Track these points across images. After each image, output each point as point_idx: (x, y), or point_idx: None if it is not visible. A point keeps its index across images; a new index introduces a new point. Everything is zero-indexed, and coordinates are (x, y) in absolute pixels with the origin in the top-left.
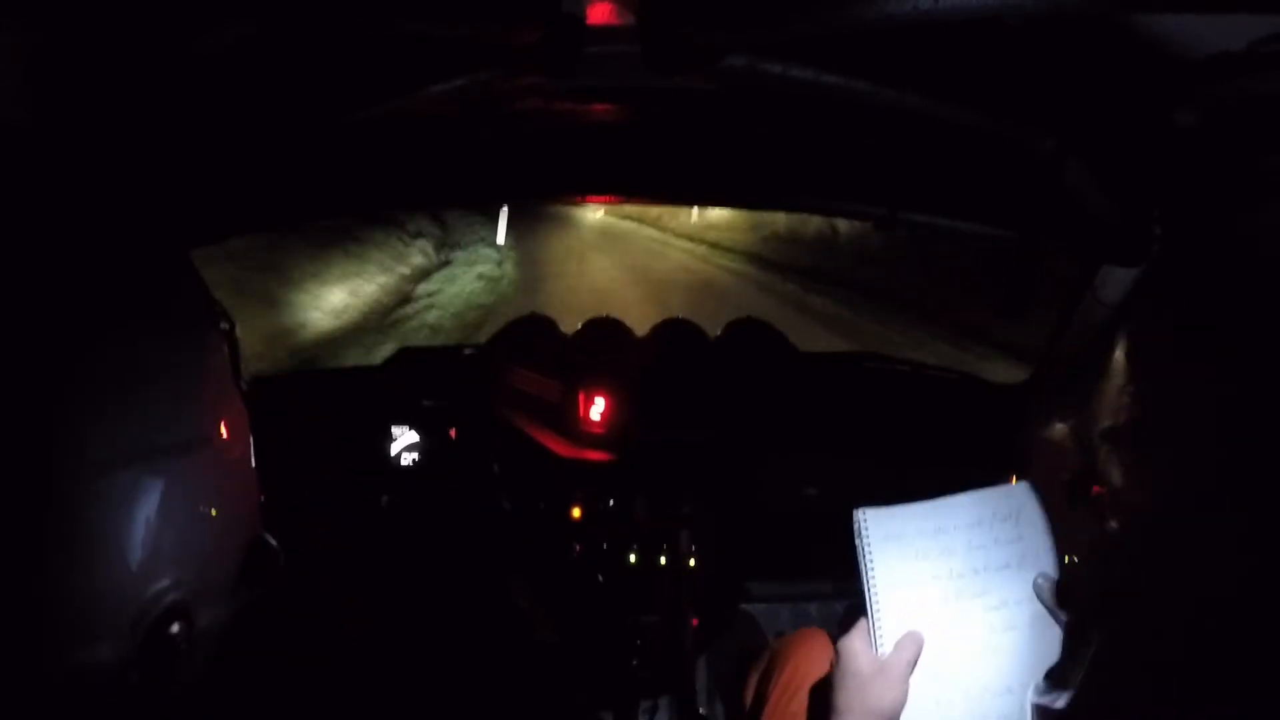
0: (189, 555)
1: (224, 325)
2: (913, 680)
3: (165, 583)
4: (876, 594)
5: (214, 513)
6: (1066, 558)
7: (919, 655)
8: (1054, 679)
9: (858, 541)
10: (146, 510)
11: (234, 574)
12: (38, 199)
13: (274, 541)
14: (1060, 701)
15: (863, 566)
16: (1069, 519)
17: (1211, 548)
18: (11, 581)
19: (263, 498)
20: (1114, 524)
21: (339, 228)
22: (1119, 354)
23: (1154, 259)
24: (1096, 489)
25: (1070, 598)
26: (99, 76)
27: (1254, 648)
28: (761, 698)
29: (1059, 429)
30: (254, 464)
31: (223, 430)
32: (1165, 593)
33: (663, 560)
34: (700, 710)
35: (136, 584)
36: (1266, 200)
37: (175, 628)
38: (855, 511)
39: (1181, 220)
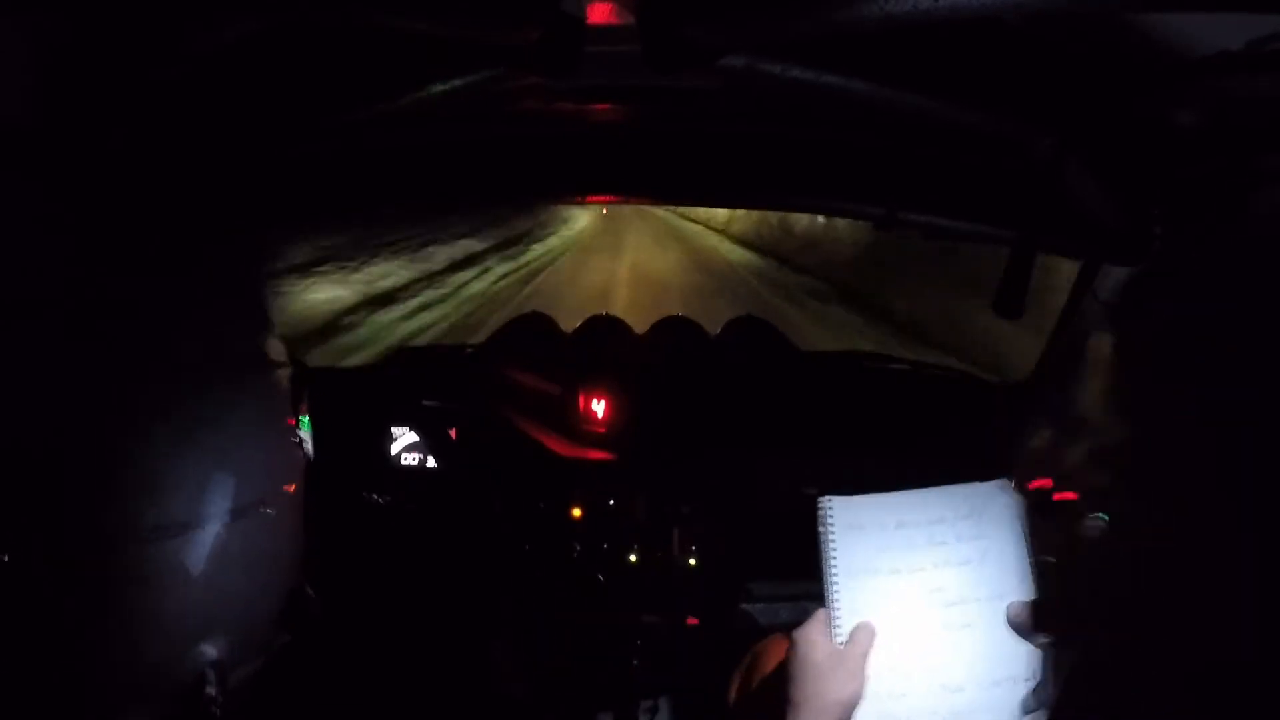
0: (234, 615)
1: (290, 370)
2: (870, 672)
3: (207, 645)
4: (837, 583)
5: (260, 571)
6: (1034, 566)
7: (872, 646)
8: (1035, 695)
9: (821, 529)
10: (198, 576)
11: (271, 624)
12: (43, 199)
13: (312, 591)
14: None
15: (824, 554)
16: (1040, 527)
17: (1197, 565)
18: (63, 646)
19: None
20: (1085, 535)
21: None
22: (1100, 359)
23: (1140, 262)
24: (1066, 495)
25: (1043, 612)
26: (103, 75)
27: (1238, 669)
28: (743, 700)
29: (1039, 434)
30: (304, 512)
31: (279, 488)
32: (1149, 611)
33: (663, 560)
34: (700, 710)
35: (181, 649)
36: (1252, 205)
37: (210, 689)
38: (820, 499)
39: (1172, 224)
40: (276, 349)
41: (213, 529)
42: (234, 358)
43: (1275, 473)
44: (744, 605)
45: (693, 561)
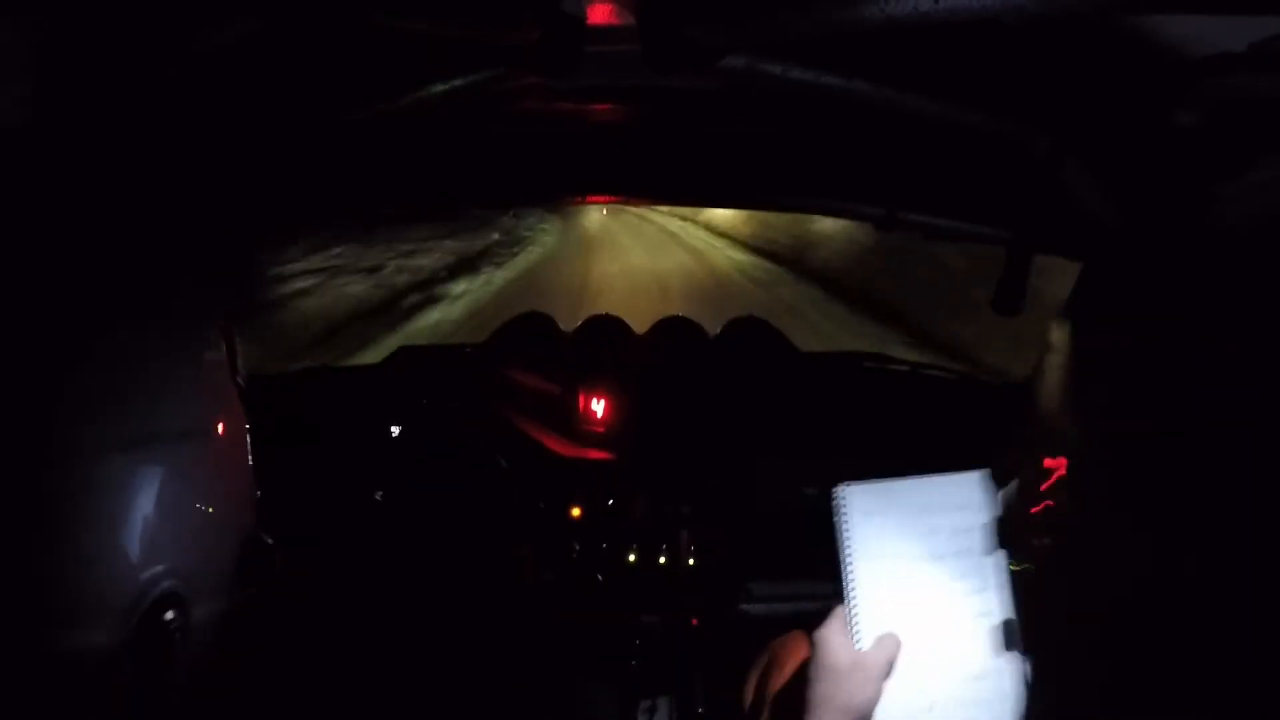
0: (184, 546)
1: (222, 320)
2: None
3: (160, 569)
4: (854, 572)
5: (210, 505)
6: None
7: (897, 654)
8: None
9: (836, 520)
10: (142, 497)
11: (229, 570)
12: (42, 199)
13: (269, 540)
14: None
15: (841, 544)
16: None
17: (1196, 566)
18: (6, 563)
19: (259, 495)
20: (1049, 534)
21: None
22: (1098, 360)
23: (1140, 262)
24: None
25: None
26: (103, 75)
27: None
28: (760, 699)
29: (1037, 434)
30: (250, 461)
31: (219, 424)
32: (1146, 615)
33: (663, 560)
34: (700, 710)
35: (132, 570)
36: (1252, 205)
37: (170, 615)
38: (835, 488)
39: (1172, 224)
40: (218, 305)
41: (154, 449)
42: (175, 302)
43: (1276, 473)
44: (744, 605)
45: (693, 561)
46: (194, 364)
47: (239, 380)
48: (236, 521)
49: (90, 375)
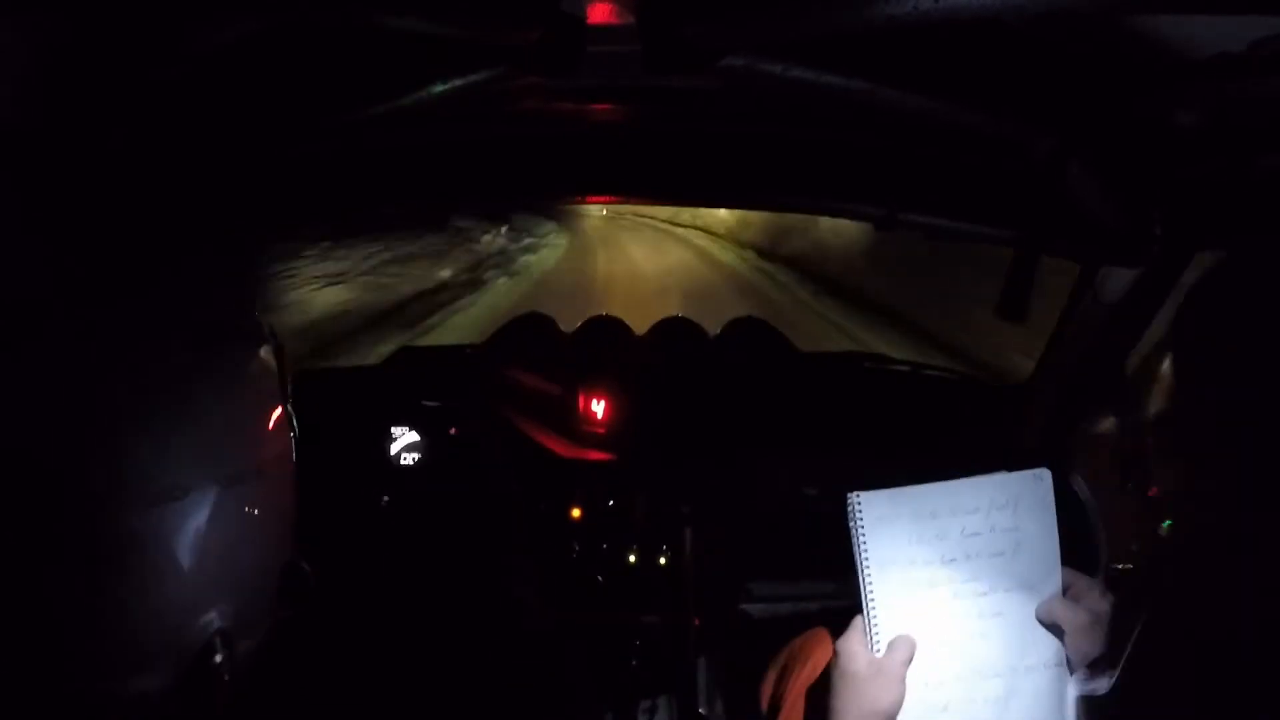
0: (234, 583)
1: (271, 343)
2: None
3: (211, 612)
4: (870, 577)
5: (259, 539)
6: (1120, 563)
7: (913, 654)
8: (1097, 666)
9: (851, 525)
10: (196, 541)
11: (271, 597)
12: (42, 200)
13: (307, 564)
14: (1103, 687)
15: (856, 550)
16: (1118, 519)
17: (1262, 554)
18: (65, 611)
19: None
20: (1168, 526)
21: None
22: (1173, 355)
23: (1141, 262)
24: (1152, 491)
25: (1117, 591)
26: (103, 75)
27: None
28: (779, 697)
29: (1109, 431)
30: (295, 489)
31: (270, 456)
32: (1213, 594)
33: (663, 560)
34: (700, 710)
35: (185, 615)
36: (1252, 205)
37: (218, 658)
38: (849, 495)
39: (1172, 224)
40: (263, 329)
41: (207, 496)
42: (220, 335)
43: (1276, 472)
44: (744, 605)
45: (693, 561)
46: (246, 396)
47: (288, 405)
48: (282, 551)
49: (142, 418)
